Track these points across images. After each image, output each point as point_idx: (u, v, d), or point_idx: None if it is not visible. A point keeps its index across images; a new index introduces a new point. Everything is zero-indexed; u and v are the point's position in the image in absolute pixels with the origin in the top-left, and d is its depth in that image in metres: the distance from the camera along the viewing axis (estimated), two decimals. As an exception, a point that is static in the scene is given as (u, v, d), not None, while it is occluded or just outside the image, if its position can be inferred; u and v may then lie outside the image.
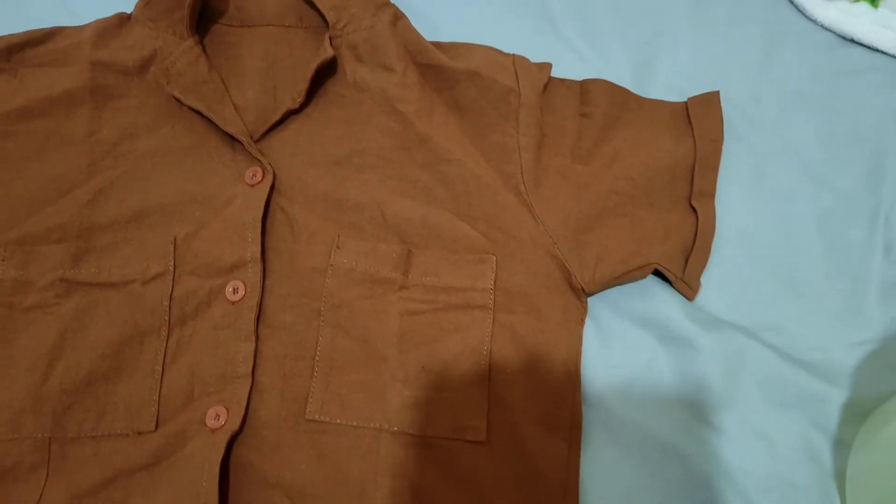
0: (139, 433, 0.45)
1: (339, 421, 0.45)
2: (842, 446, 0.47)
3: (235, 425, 0.44)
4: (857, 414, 0.48)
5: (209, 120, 0.52)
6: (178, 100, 0.52)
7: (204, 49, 0.53)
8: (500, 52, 0.56)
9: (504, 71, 0.53)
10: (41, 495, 0.43)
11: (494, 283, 0.49)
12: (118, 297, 0.47)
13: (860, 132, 0.57)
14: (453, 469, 0.45)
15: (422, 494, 0.44)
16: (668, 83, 0.58)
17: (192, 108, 0.52)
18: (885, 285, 0.52)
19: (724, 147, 0.55)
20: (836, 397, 0.48)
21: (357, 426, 0.45)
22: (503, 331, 0.48)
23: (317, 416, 0.45)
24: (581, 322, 0.50)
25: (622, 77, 0.58)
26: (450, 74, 0.53)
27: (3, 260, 0.48)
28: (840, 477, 0.47)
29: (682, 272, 0.50)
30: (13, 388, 0.45)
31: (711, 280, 0.52)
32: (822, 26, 0.60)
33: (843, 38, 0.60)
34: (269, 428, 0.45)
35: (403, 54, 0.54)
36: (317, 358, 0.47)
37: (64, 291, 0.47)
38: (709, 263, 0.52)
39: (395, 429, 0.45)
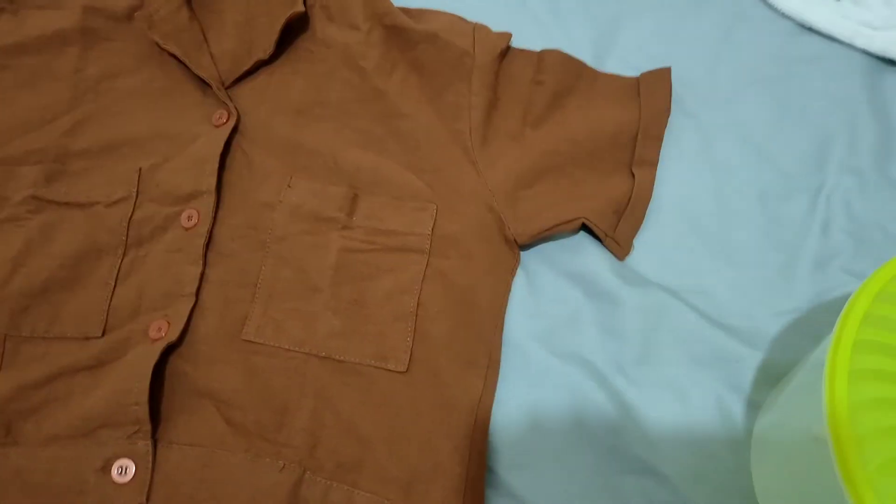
0: (86, 338, 0.48)
1: (272, 343, 0.48)
2: (754, 407, 0.48)
3: (174, 337, 0.47)
4: (771, 377, 0.49)
5: (185, 66, 0.56)
6: (158, 45, 0.56)
7: (188, 1, 0.57)
8: (463, 19, 0.59)
9: (463, 35, 0.57)
10: (-8, 384, 0.46)
11: (432, 229, 0.51)
12: (82, 216, 0.51)
13: (809, 117, 0.58)
14: (373, 394, 0.47)
15: (341, 415, 0.46)
16: (626, 60, 0.60)
17: (170, 54, 0.56)
18: (818, 260, 0.53)
19: (674, 122, 0.57)
20: (753, 359, 0.49)
21: (288, 349, 0.48)
22: (435, 274, 0.51)
23: (252, 338, 0.49)
24: (511, 272, 0.52)
25: (583, 52, 0.60)
26: (411, 36, 0.56)
27: (-14, 177, 0.52)
28: (749, 435, 0.48)
29: (612, 230, 0.52)
30: (-23, 288, 0.49)
31: (645, 244, 0.54)
32: (782, 14, 0.62)
33: (802, 26, 0.61)
34: (206, 344, 0.48)
35: (371, 15, 0.58)
36: (258, 285, 0.50)
37: (35, 208, 0.52)
38: (645, 229, 0.54)
39: (323, 354, 0.48)
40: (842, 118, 0.58)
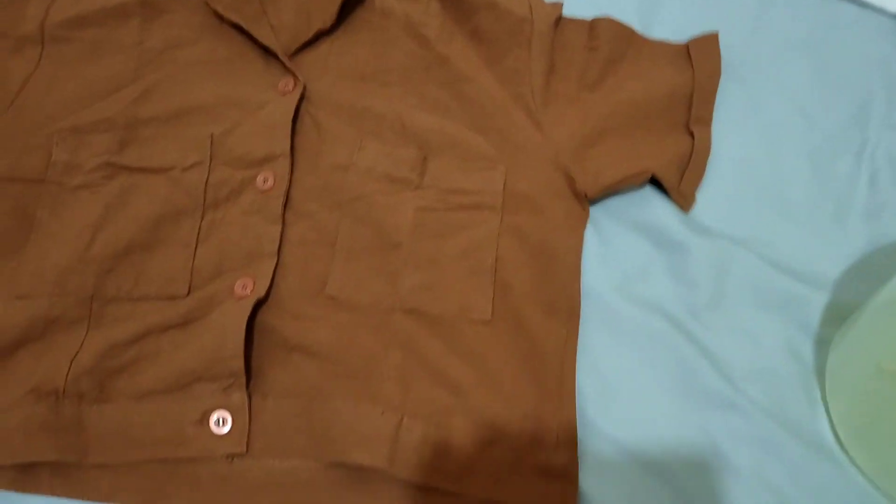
0: (172, 298, 0.48)
1: (355, 299, 0.49)
2: (822, 344, 0.50)
3: (261, 293, 0.48)
4: (836, 317, 0.51)
5: (246, 36, 0.57)
6: (219, 16, 0.57)
7: (247, -26, 0.58)
8: (516, -12, 0.61)
9: (519, 3, 0.58)
10: (82, 343, 0.46)
11: (503, 187, 0.53)
12: (158, 181, 0.52)
13: (848, 79, 0.61)
14: (459, 344, 0.48)
15: (428, 364, 0.47)
16: (670, 29, 0.63)
17: (231, 24, 0.57)
18: (868, 210, 0.55)
19: (721, 86, 0.59)
20: (818, 300, 0.51)
21: (371, 304, 0.49)
22: (509, 229, 0.52)
23: (335, 294, 0.49)
24: (583, 225, 0.53)
25: (628, 18, 0.62)
26: (469, 4, 0.58)
27: (56, 144, 0.52)
28: (819, 372, 0.50)
29: (678, 183, 0.54)
30: (61, 252, 0.49)
31: (705, 197, 0.56)
32: (815, -18, 0.65)
33: (835, -6, 0.65)
34: (292, 300, 0.49)
35: (428, -14, 0.59)
36: (337, 244, 0.51)
37: (109, 174, 0.52)
38: (704, 183, 0.56)
39: (407, 307, 0.49)
40: (878, 79, 0.61)
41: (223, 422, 0.44)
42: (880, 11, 0.63)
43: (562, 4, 0.60)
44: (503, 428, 0.46)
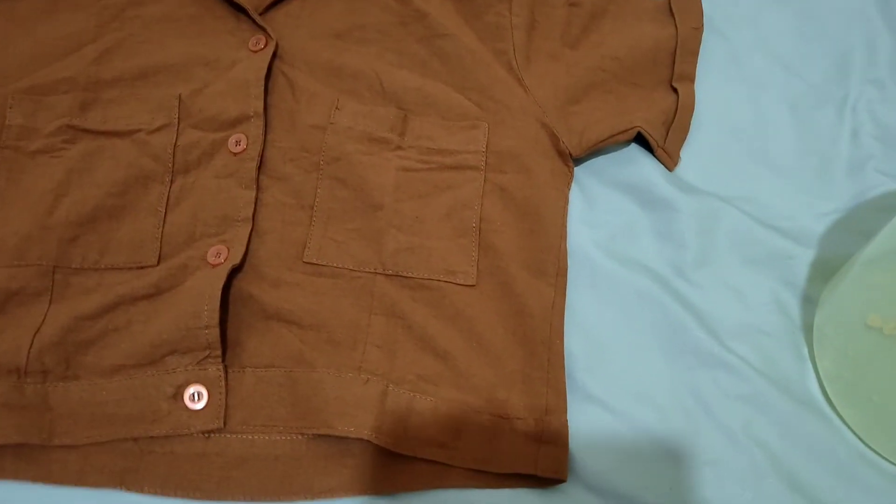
0: (141, 267, 0.46)
1: (335, 264, 0.47)
2: (808, 301, 0.50)
3: (236, 260, 0.46)
4: (823, 273, 0.51)
5: (215, -8, 0.54)
6: (184, -29, 0.54)
7: (214, -73, 0.55)
8: (495, -58, 0.59)
9: (500, -43, 0.56)
10: (44, 318, 0.44)
11: (486, 146, 0.51)
12: (124, 144, 0.49)
13: (829, 32, 0.60)
14: (445, 308, 0.47)
15: (414, 330, 0.46)
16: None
17: (198, -21, 0.54)
18: (852, 164, 0.55)
19: (703, 41, 0.58)
20: (804, 257, 0.51)
21: (353, 269, 0.47)
22: (494, 188, 0.50)
23: (314, 259, 0.47)
24: (568, 184, 0.52)
25: (609, -25, 0.60)
26: (448, -43, 0.56)
27: (10, 107, 0.49)
28: (807, 329, 0.50)
29: (663, 141, 0.53)
30: (19, 220, 0.46)
31: (690, 155, 0.55)
32: (797, -64, 0.64)
33: (817, -53, 0.64)
34: (269, 266, 0.47)
35: (406, -61, 0.57)
36: (315, 207, 0.49)
37: (71, 137, 0.49)
38: (688, 141, 0.55)
39: (390, 272, 0.47)
40: (859, 32, 0.60)
41: (198, 396, 0.42)
42: (862, -35, 0.62)
43: (542, -41, 0.58)
44: (492, 393, 0.45)
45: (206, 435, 0.43)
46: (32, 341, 0.43)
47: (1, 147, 0.48)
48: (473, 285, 0.47)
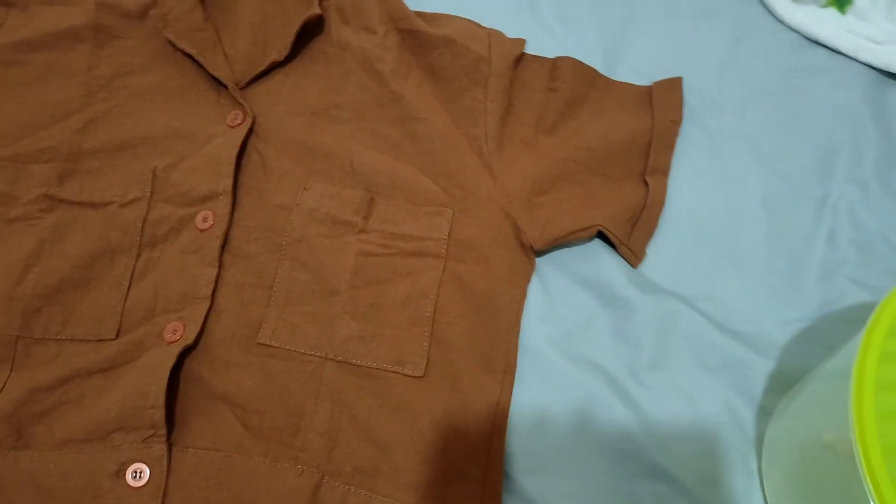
0: (100, 340, 0.48)
1: (288, 347, 0.48)
2: (763, 413, 0.49)
3: (189, 339, 0.47)
4: (781, 384, 0.50)
5: (199, 65, 0.55)
6: (172, 44, 0.56)
7: (202, 1, 0.57)
8: (478, 24, 0.60)
9: (478, 41, 0.57)
10: (3, 386, 0.46)
11: (449, 234, 0.52)
12: (96, 216, 0.51)
13: (815, 128, 0.59)
14: (390, 398, 0.47)
15: (358, 419, 0.46)
16: (636, 68, 0.61)
17: (184, 53, 0.56)
18: (825, 269, 0.54)
19: (683, 131, 0.58)
20: (762, 367, 0.50)
21: (304, 353, 0.48)
22: (452, 278, 0.51)
23: (268, 341, 0.48)
24: (527, 278, 0.52)
25: (593, 59, 0.61)
26: (427, 40, 0.57)
27: (-6, 174, 0.52)
28: (759, 441, 0.49)
29: (627, 238, 0.53)
30: (-11, 288, 0.48)
31: (656, 251, 0.54)
32: (788, 27, 0.63)
33: (808, 39, 0.63)
34: (222, 347, 0.48)
35: (386, 19, 0.58)
36: (274, 287, 0.50)
37: (47, 207, 0.51)
38: (656, 236, 0.54)
39: (340, 358, 0.48)
40: (846, 130, 0.59)
41: (140, 474, 0.44)
42: (852, 60, 0.61)
43: (524, 42, 0.59)
44: (427, 490, 0.45)
45: (145, 514, 0.44)
46: (-12, 411, 0.44)
47: (-19, 213, 0.51)
48: (421, 377, 0.48)
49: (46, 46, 0.56)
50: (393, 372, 0.48)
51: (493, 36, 0.58)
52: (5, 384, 0.46)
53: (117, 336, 0.48)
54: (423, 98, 0.56)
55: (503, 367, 0.49)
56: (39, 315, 0.48)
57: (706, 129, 0.59)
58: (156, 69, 0.56)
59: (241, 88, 0.56)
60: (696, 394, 0.49)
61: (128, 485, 0.44)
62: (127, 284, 0.49)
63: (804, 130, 0.59)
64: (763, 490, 0.47)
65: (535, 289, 0.53)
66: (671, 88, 0.58)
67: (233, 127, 0.54)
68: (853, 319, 0.52)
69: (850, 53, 0.61)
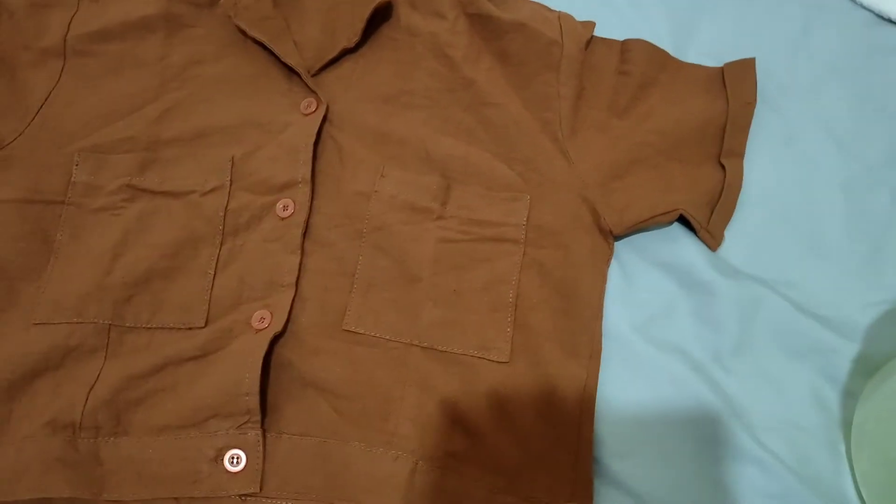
0: (189, 328, 0.48)
1: (373, 333, 0.49)
2: (849, 397, 0.49)
3: (278, 327, 0.47)
4: (866, 368, 0.50)
5: (270, 53, 0.55)
6: (242, 32, 0.56)
7: (271, -12, 0.57)
8: (547, 7, 0.59)
9: (549, 24, 0.56)
10: (99, 374, 0.46)
11: (527, 219, 0.52)
12: (178, 205, 0.51)
13: (888, 109, 0.58)
14: (477, 384, 0.47)
15: (445, 405, 0.47)
16: (705, 50, 0.60)
17: (255, 41, 0.56)
18: (905, 252, 0.53)
19: (757, 114, 0.57)
20: (847, 350, 0.50)
21: (389, 339, 0.48)
22: (532, 263, 0.51)
23: (353, 328, 0.49)
24: (607, 262, 0.52)
25: (662, 41, 0.60)
26: (498, 24, 0.56)
27: (77, 165, 0.52)
28: (846, 425, 0.49)
29: (706, 222, 0.53)
30: (80, 278, 0.49)
31: (734, 235, 0.54)
32: (860, 5, 0.62)
33: (881, 17, 0.62)
34: (309, 334, 0.48)
35: (455, 3, 0.57)
36: (356, 275, 0.50)
37: (129, 196, 0.51)
38: (734, 219, 0.54)
39: (425, 345, 0.48)
40: (922, 110, 0.58)
41: (237, 460, 0.44)
42: (929, 37, 0.60)
43: (594, 24, 0.58)
44: (517, 475, 0.45)
45: (243, 499, 0.45)
46: (87, 398, 0.45)
47: (67, 203, 0.51)
48: (507, 362, 0.48)
49: (119, 37, 0.56)
50: (479, 357, 0.48)
51: (564, 19, 0.57)
52: (101, 372, 0.47)
53: (206, 324, 0.48)
54: (495, 83, 0.56)
55: (588, 352, 0.49)
56: (129, 304, 0.48)
57: (780, 111, 0.58)
58: (227, 58, 0.57)
59: (312, 76, 0.56)
60: (781, 379, 0.49)
61: (226, 470, 0.44)
62: (212, 273, 0.50)
63: (879, 112, 0.58)
64: (853, 473, 0.47)
65: (613, 273, 0.53)
66: (744, 70, 0.57)
67: (307, 115, 0.54)
68: (937, 301, 0.51)
69: (925, 29, 0.60)
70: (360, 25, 0.55)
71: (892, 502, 0.45)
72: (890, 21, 0.61)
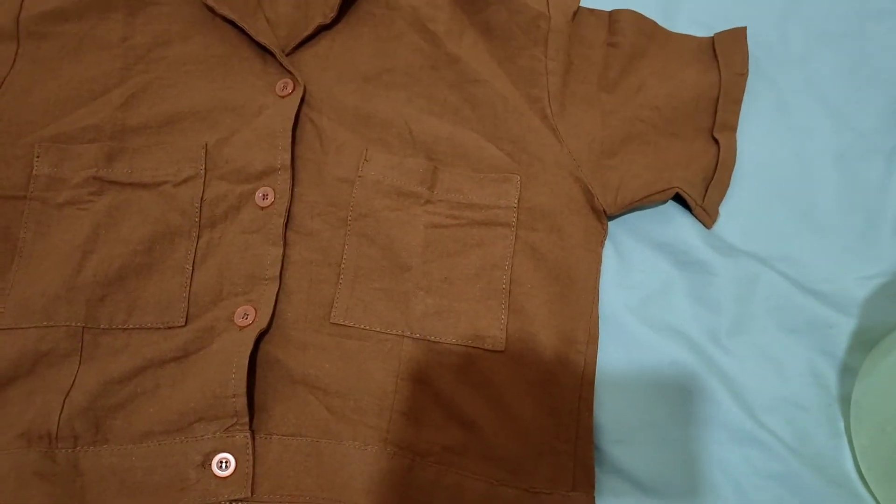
0: (169, 327, 0.46)
1: (362, 326, 0.47)
2: (848, 372, 0.49)
3: (263, 323, 0.45)
4: (864, 342, 0.49)
5: (241, 32, 0.52)
6: (210, 9, 0.52)
7: (239, -38, 0.53)
8: (532, -23, 0.56)
9: (535, -5, 0.54)
10: (74, 380, 0.44)
11: (518, 201, 0.50)
12: (150, 197, 0.48)
13: (881, 74, 0.57)
14: (472, 375, 0.46)
15: (441, 398, 0.45)
16: (694, 18, 0.58)
17: (224, 19, 0.52)
18: (899, 223, 0.53)
19: (748, 83, 0.55)
20: (845, 325, 0.49)
21: (380, 331, 0.47)
22: (525, 247, 0.49)
23: (341, 321, 0.47)
24: (601, 243, 0.51)
25: (650, 10, 0.57)
26: (482, -5, 0.54)
27: (38, 157, 0.49)
28: (844, 401, 0.48)
29: (701, 199, 0.51)
30: (47, 278, 0.46)
31: (729, 210, 0.53)
32: (850, -31, 0.60)
33: (871, -19, 0.60)
34: (296, 329, 0.46)
35: (435, -25, 0.54)
36: (342, 265, 0.48)
37: (97, 189, 0.48)
38: (728, 194, 0.53)
39: (417, 335, 0.46)
40: (914, 77, 0.57)
41: (226, 464, 0.42)
42: (920, 2, 0.59)
43: (580, -6, 0.56)
44: (518, 465, 0.44)
45: (234, 504, 0.43)
46: (63, 406, 0.43)
47: (29, 198, 0.48)
48: (502, 351, 0.47)
49: (77, 16, 0.52)
50: (473, 347, 0.46)
51: (550, -11, 0.55)
52: (76, 378, 0.44)
53: (186, 323, 0.46)
54: (480, 59, 0.53)
55: (585, 337, 0.48)
56: (103, 304, 0.46)
57: (771, 80, 0.57)
58: (196, 37, 0.53)
59: (287, 55, 0.53)
60: (780, 356, 0.49)
61: (215, 475, 0.42)
62: (190, 268, 0.47)
63: (871, 78, 0.57)
64: (852, 450, 0.47)
65: (608, 253, 0.51)
66: (735, 39, 0.56)
67: (283, 97, 0.51)
68: (933, 273, 0.51)
69: (915, -5, 0.59)
70: (335, 0, 0.52)
71: (892, 477, 0.45)
72: (879, -15, 0.60)
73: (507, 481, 0.44)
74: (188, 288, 0.47)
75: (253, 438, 0.43)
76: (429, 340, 0.46)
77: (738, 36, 0.56)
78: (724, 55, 0.55)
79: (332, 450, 0.43)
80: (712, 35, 0.56)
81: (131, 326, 0.46)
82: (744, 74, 0.55)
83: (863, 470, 0.46)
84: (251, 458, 0.43)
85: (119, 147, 0.49)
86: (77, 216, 0.48)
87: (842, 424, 0.48)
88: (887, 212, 0.53)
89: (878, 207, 0.53)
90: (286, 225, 0.48)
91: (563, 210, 0.50)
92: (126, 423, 0.43)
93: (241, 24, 0.51)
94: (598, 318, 0.48)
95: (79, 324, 0.45)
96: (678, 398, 0.48)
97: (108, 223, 0.47)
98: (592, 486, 0.45)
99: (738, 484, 0.45)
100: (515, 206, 0.50)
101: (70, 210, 0.48)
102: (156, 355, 0.45)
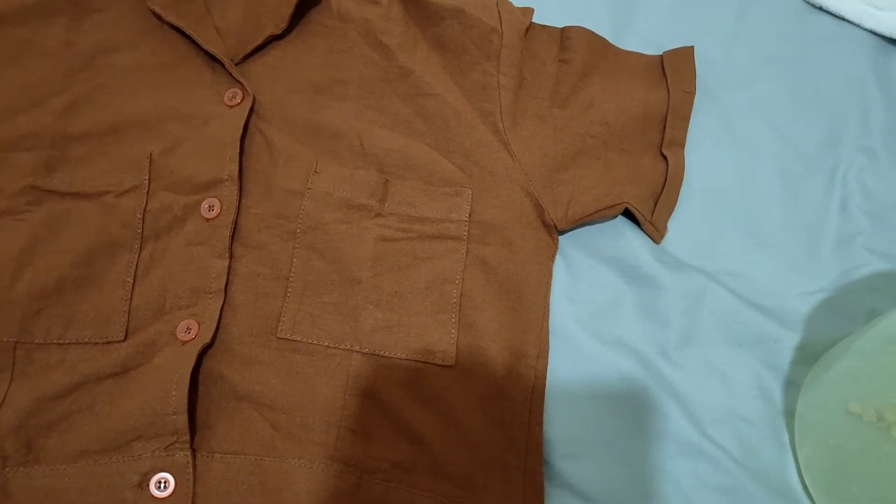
0: (108, 342, 0.44)
1: (310, 340, 0.46)
2: (792, 386, 0.49)
3: (207, 338, 0.44)
4: (807, 356, 0.50)
5: (190, 40, 0.51)
6: (158, 17, 0.51)
7: (188, -31, 0.52)
8: (484, -7, 0.57)
9: (488, 11, 0.54)
10: (4, 397, 0.42)
11: (469, 215, 0.50)
12: (91, 208, 0.47)
13: (823, 96, 0.59)
14: (422, 390, 0.45)
15: (390, 413, 0.45)
16: (644, 37, 0.60)
17: (172, 26, 0.51)
18: (839, 239, 0.54)
19: (695, 102, 0.57)
20: (789, 340, 0.50)
21: (328, 346, 0.46)
22: (476, 261, 0.49)
23: (288, 335, 0.46)
24: (552, 258, 0.51)
25: (601, 28, 0.59)
26: (434, 10, 0.54)
27: (-28, 165, 0.47)
28: (789, 414, 0.49)
29: (650, 215, 0.52)
30: (-22, 291, 0.44)
31: (677, 226, 0.54)
32: (791, -8, 0.62)
33: (812, 5, 0.62)
34: (241, 343, 0.45)
35: (390, -12, 0.54)
36: (290, 278, 0.47)
37: (35, 199, 0.47)
38: (676, 210, 0.54)
39: (366, 350, 0.46)
40: (853, 98, 0.59)
41: (165, 484, 0.41)
42: (856, 26, 0.61)
43: (532, 11, 0.56)
44: (468, 482, 0.44)
45: (173, 525, 0.42)
46: (-9, 425, 0.41)
47: (-40, 208, 0.46)
48: (452, 366, 0.46)
49: (18, 21, 0.51)
50: (423, 362, 0.46)
51: (503, 5, 0.55)
52: (6, 395, 0.42)
53: (126, 337, 0.45)
54: (433, 72, 0.53)
55: (536, 351, 0.48)
56: (39, 318, 0.44)
57: (718, 100, 0.58)
58: (143, 45, 0.52)
59: (237, 64, 0.52)
60: (726, 370, 0.49)
61: (153, 496, 0.41)
62: (131, 281, 0.46)
63: (813, 100, 0.59)
64: (796, 462, 0.47)
65: (558, 268, 0.51)
66: (683, 58, 0.57)
67: (231, 106, 0.50)
68: (872, 288, 0.52)
69: (854, 20, 0.61)
70: (287, 11, 0.52)
71: (835, 490, 0.45)
72: (819, 8, 0.62)
73: (457, 498, 0.43)
74: (129, 301, 0.45)
75: (194, 457, 0.42)
76: (378, 355, 0.46)
77: (685, 55, 0.57)
78: (673, 73, 0.56)
79: (277, 468, 0.42)
80: (661, 53, 0.57)
81: (68, 341, 0.44)
82: (691, 92, 0.56)
83: (806, 482, 0.47)
84: (191, 477, 0.41)
85: (59, 156, 0.48)
86: (12, 226, 0.46)
87: (786, 437, 0.48)
88: (829, 229, 0.54)
89: (819, 225, 0.55)
90: (233, 237, 0.47)
91: (514, 224, 0.50)
92: (60, 442, 0.42)
93: (189, 31, 0.50)
94: (548, 332, 0.48)
95: (11, 339, 0.43)
96: (627, 412, 0.48)
97: (45, 234, 0.46)
98: (542, 502, 0.44)
99: (686, 497, 0.46)
100: (467, 219, 0.50)
101: (6, 220, 0.46)
102: (93, 371, 0.43)
